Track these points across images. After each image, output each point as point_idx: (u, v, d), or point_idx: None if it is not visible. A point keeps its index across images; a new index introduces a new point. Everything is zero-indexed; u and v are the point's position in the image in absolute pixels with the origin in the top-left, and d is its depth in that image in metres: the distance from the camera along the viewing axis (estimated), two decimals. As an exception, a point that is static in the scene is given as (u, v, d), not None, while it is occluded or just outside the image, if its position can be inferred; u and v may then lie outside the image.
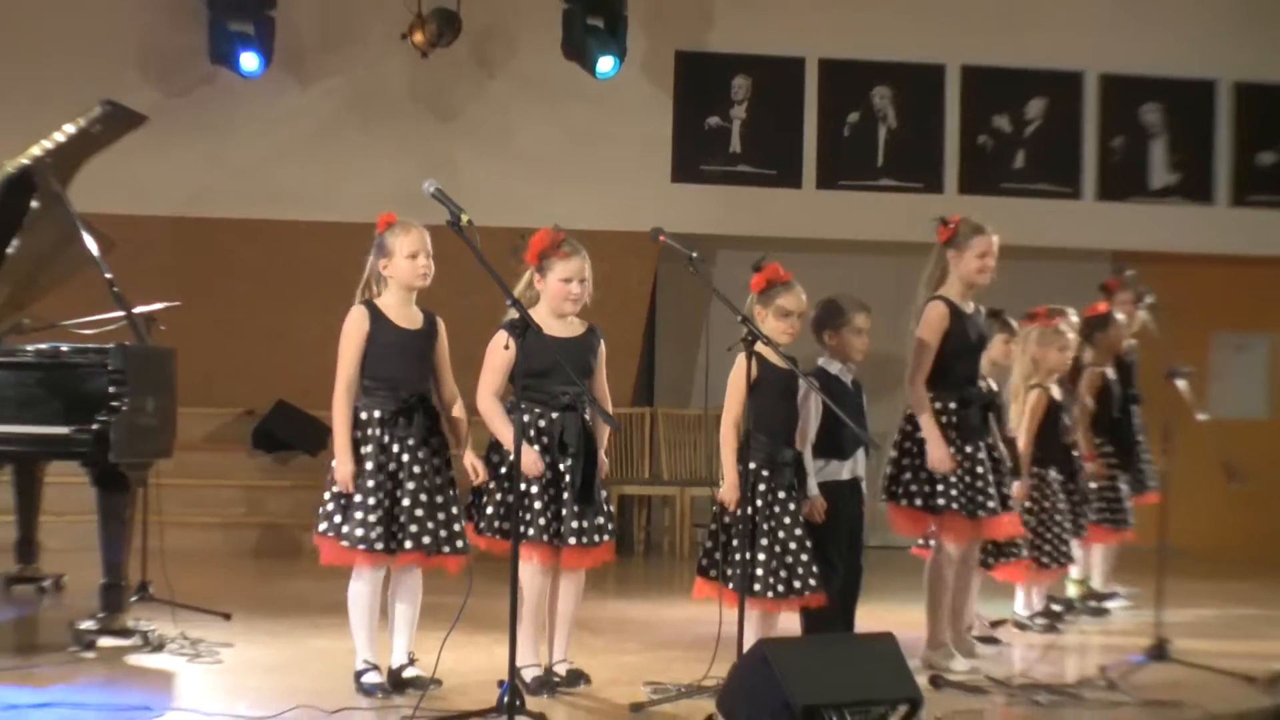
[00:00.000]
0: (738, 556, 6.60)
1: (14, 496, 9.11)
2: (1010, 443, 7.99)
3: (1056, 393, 8.72)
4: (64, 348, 7.59)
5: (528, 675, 6.57)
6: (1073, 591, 9.44)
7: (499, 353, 6.55)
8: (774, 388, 6.76)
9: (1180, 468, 8.18)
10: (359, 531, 6.41)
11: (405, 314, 6.62)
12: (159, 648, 7.40)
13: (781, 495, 6.76)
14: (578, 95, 12.85)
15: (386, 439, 6.49)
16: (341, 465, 6.48)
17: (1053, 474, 8.69)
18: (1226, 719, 6.67)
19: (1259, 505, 12.41)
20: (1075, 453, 8.87)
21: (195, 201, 12.72)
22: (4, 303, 8.19)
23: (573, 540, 6.57)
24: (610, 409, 6.77)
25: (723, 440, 6.79)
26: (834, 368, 7.22)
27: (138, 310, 8.03)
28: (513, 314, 6.25)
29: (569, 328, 6.75)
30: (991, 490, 7.38)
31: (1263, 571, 11.90)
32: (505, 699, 5.96)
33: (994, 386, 7.91)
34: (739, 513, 6.62)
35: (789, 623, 7.05)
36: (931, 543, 7.66)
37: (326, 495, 6.54)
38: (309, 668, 7.22)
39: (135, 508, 7.64)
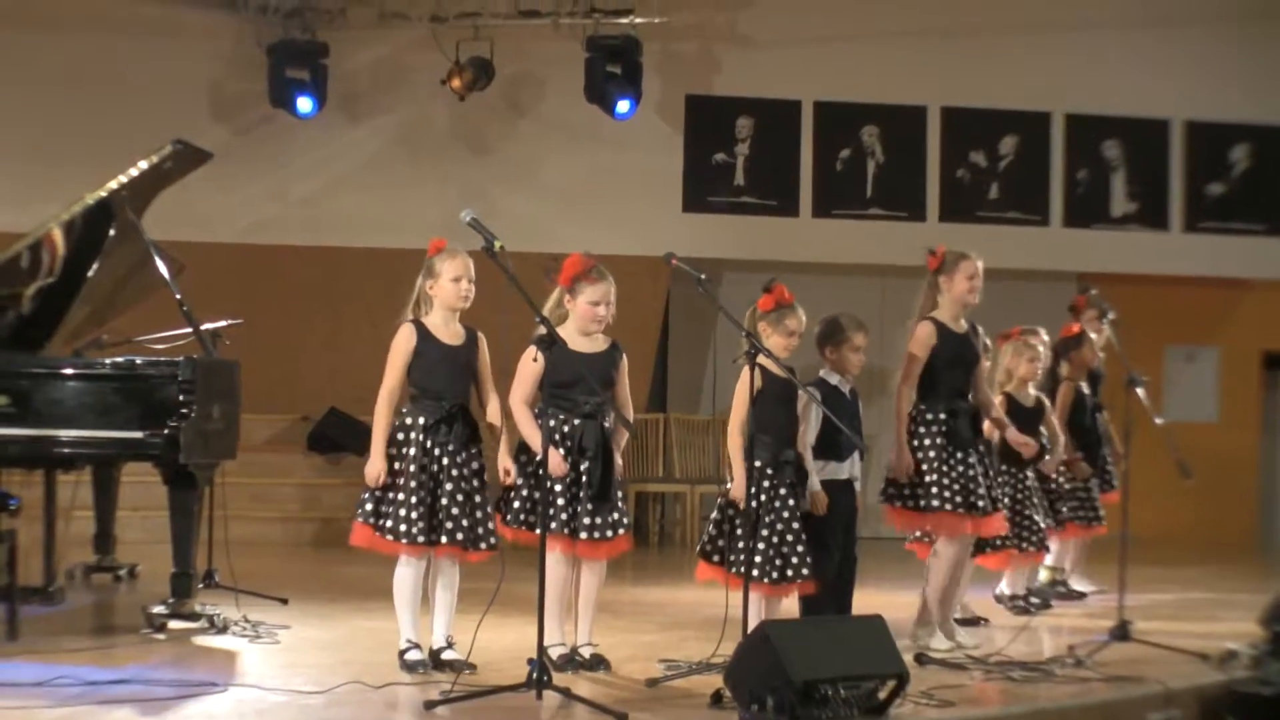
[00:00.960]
0: (740, 545, 6.56)
1: (93, 494, 9.08)
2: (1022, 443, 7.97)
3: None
4: (139, 360, 7.55)
5: (554, 653, 6.53)
6: (1044, 576, 9.42)
7: (529, 364, 6.51)
8: (776, 395, 6.72)
9: (1139, 466, 8.18)
10: (402, 526, 6.38)
11: (449, 331, 6.56)
12: (223, 629, 7.38)
13: (783, 491, 6.70)
14: (598, 135, 12.87)
15: (429, 443, 6.44)
16: (373, 464, 6.44)
17: (1029, 473, 8.64)
18: (1184, 693, 6.62)
19: (1210, 499, 12.51)
20: (1048, 455, 8.83)
21: (257, 230, 12.76)
22: (85, 320, 8.19)
23: (584, 535, 6.54)
24: (631, 416, 6.74)
25: (730, 443, 6.75)
26: (834, 379, 7.17)
27: (205, 327, 8.02)
28: (542, 330, 6.22)
29: (594, 344, 6.70)
30: (983, 491, 7.30)
31: (1214, 558, 11.90)
32: (534, 674, 5.94)
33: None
34: (745, 506, 6.58)
35: (790, 606, 7.00)
36: (928, 538, 7.60)
37: (364, 494, 6.50)
38: (358, 646, 7.18)
39: (202, 504, 7.63)
